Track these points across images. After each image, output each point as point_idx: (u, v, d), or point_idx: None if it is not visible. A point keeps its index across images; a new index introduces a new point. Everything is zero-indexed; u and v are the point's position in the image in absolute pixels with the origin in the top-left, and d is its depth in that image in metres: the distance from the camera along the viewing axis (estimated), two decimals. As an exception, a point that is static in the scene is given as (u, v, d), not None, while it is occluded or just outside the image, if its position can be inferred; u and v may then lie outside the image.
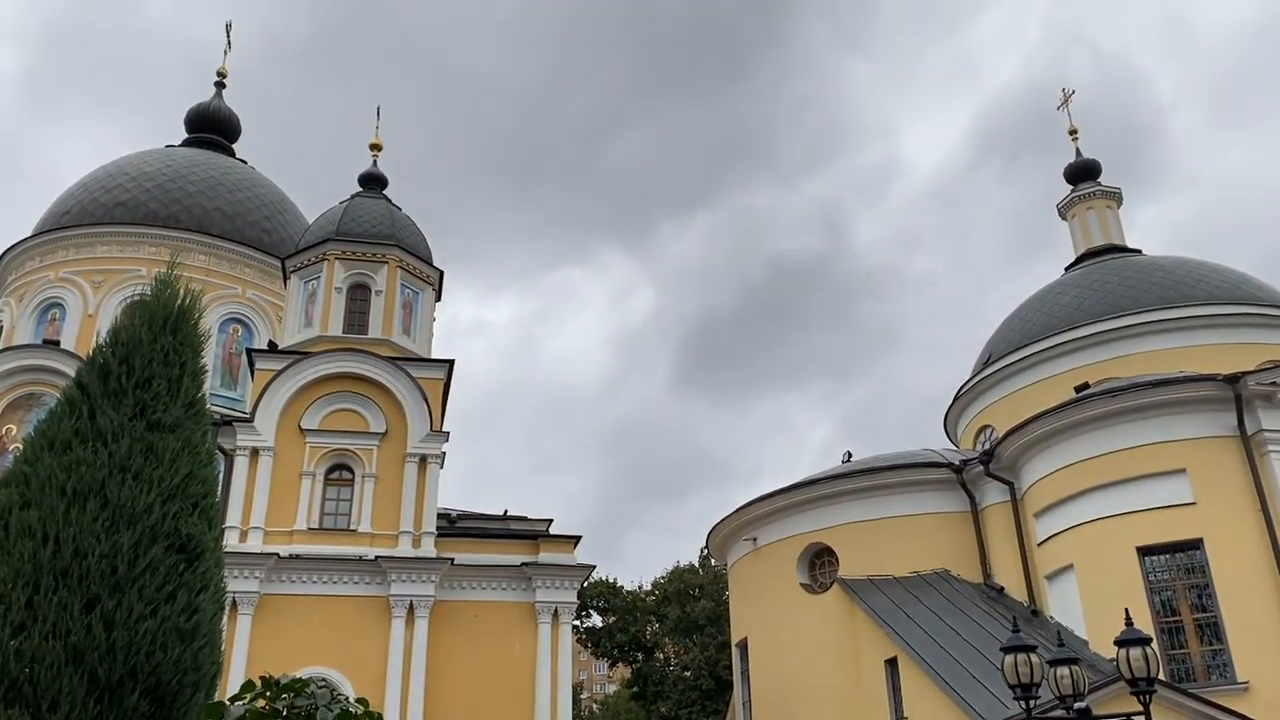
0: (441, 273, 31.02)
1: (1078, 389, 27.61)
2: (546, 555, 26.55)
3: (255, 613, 24.15)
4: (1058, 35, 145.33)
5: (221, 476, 24.09)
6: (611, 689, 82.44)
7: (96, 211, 36.07)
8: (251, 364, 28.38)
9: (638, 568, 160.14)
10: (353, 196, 31.59)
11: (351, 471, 26.55)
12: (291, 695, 6.67)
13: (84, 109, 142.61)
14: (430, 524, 26.14)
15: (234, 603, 23.57)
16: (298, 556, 24.91)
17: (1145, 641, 15.19)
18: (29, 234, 36.75)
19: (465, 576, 25.96)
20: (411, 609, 25.00)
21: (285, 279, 30.76)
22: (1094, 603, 23.07)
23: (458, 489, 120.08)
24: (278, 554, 24.69)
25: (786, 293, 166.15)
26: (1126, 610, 16.84)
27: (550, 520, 31.23)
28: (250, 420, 26.32)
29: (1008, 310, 36.80)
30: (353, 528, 25.83)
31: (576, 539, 27.31)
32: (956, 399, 36.08)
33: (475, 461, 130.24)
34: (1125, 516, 23.26)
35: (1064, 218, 39.06)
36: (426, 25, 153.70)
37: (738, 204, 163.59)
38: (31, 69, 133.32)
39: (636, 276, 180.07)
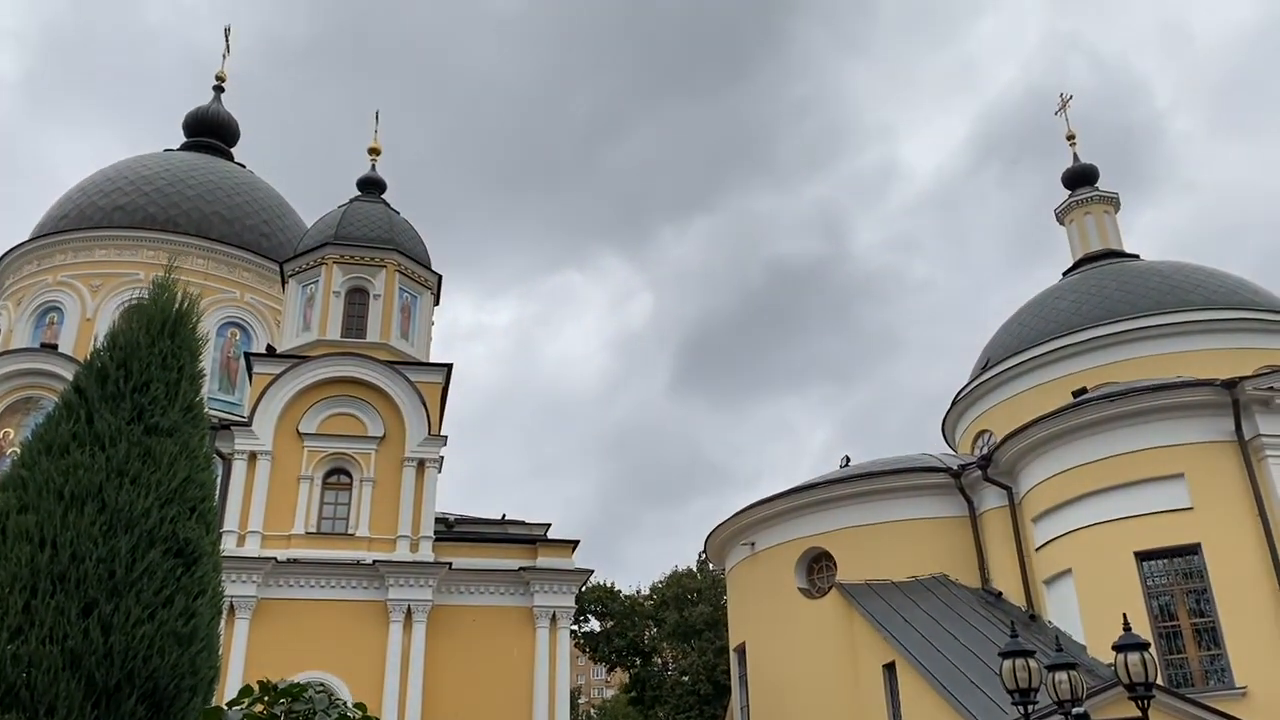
0: (440, 277, 31.03)
1: (1075, 394, 27.63)
2: (544, 560, 26.51)
3: (253, 617, 24.11)
4: (1057, 40, 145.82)
5: (219, 480, 24.11)
6: (609, 694, 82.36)
7: (95, 215, 36.07)
8: (249, 368, 28.34)
9: (636, 572, 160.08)
10: (351, 200, 31.60)
11: (349, 476, 26.52)
12: (289, 700, 6.67)
13: (83, 112, 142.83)
14: (428, 528, 26.11)
15: (232, 607, 23.53)
16: (295, 561, 24.88)
17: (1143, 646, 15.21)
18: (27, 237, 36.77)
19: (463, 581, 25.91)
20: (409, 613, 24.97)
21: (283, 283, 30.74)
22: (1092, 607, 23.07)
23: (456, 493, 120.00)
24: (275, 558, 24.66)
25: (786, 296, 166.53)
26: (1124, 615, 16.87)
27: (548, 525, 31.23)
28: (248, 424, 26.29)
29: (1007, 314, 36.85)
30: (350, 532, 25.79)
31: (574, 543, 27.27)
32: (954, 403, 36.09)
33: (474, 465, 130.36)
34: (1123, 521, 23.28)
35: (1062, 223, 39.11)
36: (425, 28, 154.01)
37: (737, 207, 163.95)
38: (31, 71, 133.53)
39: (636, 280, 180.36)
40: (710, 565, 45.25)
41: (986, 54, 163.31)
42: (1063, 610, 24.04)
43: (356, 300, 29.24)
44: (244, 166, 41.44)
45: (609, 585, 54.91)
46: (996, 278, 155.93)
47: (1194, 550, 22.63)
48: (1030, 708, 15.17)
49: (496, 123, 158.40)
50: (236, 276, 36.20)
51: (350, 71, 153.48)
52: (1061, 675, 15.05)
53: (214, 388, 33.39)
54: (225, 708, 6.67)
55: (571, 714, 27.70)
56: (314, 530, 25.68)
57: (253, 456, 25.86)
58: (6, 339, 34.42)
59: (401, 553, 25.51)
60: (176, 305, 8.47)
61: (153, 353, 8.11)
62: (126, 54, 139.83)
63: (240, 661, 23.14)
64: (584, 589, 40.58)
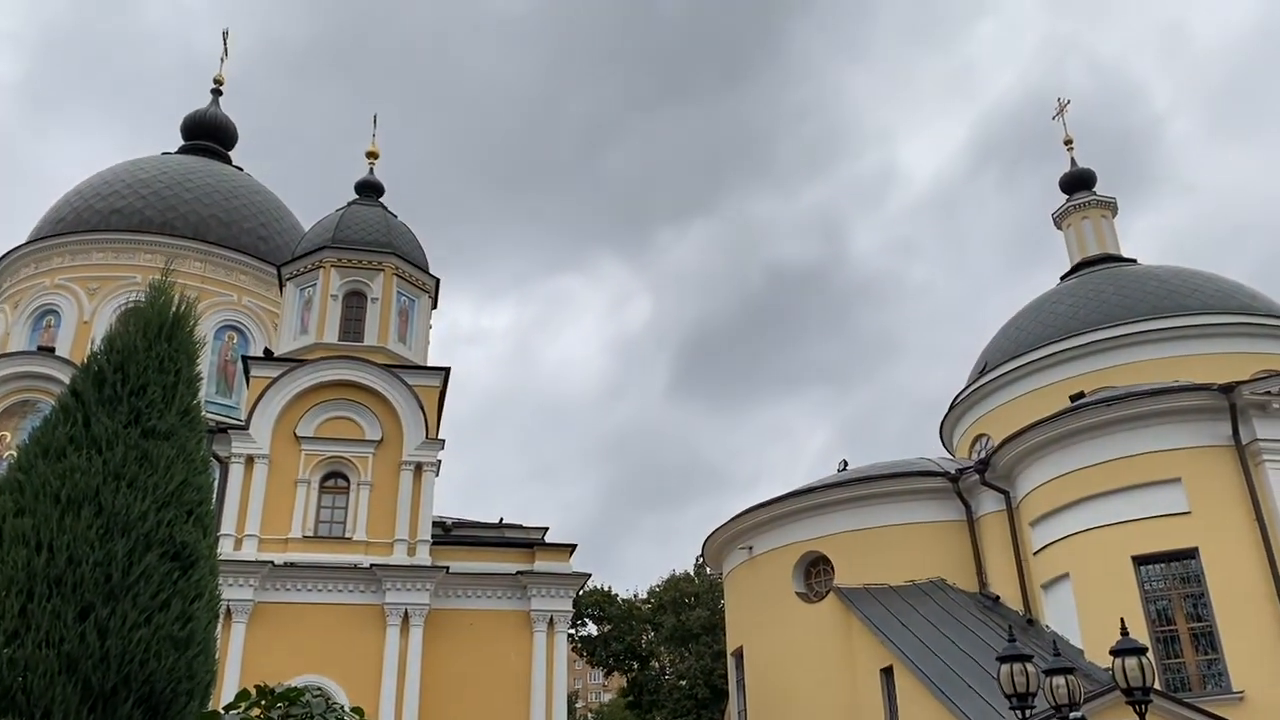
0: (438, 280, 31.03)
1: (1073, 398, 27.65)
2: (542, 563, 26.49)
3: (250, 621, 24.06)
4: (1055, 43, 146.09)
5: (216, 484, 24.12)
6: (607, 698, 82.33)
7: (92, 218, 36.06)
8: (247, 371, 28.32)
9: (633, 576, 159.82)
10: (349, 204, 31.61)
11: (347, 479, 26.49)
12: (286, 704, 6.67)
13: (81, 114, 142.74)
14: (425, 532, 26.09)
15: (228, 611, 23.51)
16: (292, 564, 24.85)
17: (1141, 651, 15.18)
18: (24, 240, 36.74)
19: (460, 585, 25.88)
20: (406, 617, 24.94)
21: (281, 286, 30.73)
22: (1089, 612, 23.07)
23: (454, 497, 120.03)
24: (272, 562, 24.62)
25: (784, 300, 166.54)
26: (1122, 619, 16.83)
27: (546, 528, 31.23)
28: (245, 427, 26.27)
29: (1005, 318, 36.88)
30: (348, 535, 25.76)
31: (572, 547, 27.25)
32: (952, 408, 36.11)
33: (472, 469, 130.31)
34: (1120, 526, 23.28)
35: (1059, 227, 39.17)
36: (424, 31, 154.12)
37: (736, 211, 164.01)
38: (30, 73, 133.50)
39: (634, 284, 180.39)
40: (708, 569, 45.20)
41: (985, 58, 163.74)
42: (1060, 615, 24.04)
43: (354, 304, 29.24)
44: (242, 170, 41.44)
45: (606, 589, 54.93)
46: (995, 282, 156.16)
47: (1191, 555, 22.63)
48: (1028, 712, 15.15)
49: (496, 125, 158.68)
50: (234, 280, 36.18)
51: (348, 75, 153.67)
52: (1059, 680, 15.03)
53: (211, 391, 33.37)
54: (222, 712, 6.67)
55: (569, 718, 27.62)
56: (311, 534, 25.64)
57: (250, 460, 25.84)
58: (3, 342, 34.39)
59: (399, 556, 25.48)
60: (173, 308, 8.47)
61: (150, 356, 8.11)
62: (125, 56, 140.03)
63: (237, 665, 23.08)
64: (581, 593, 40.60)
